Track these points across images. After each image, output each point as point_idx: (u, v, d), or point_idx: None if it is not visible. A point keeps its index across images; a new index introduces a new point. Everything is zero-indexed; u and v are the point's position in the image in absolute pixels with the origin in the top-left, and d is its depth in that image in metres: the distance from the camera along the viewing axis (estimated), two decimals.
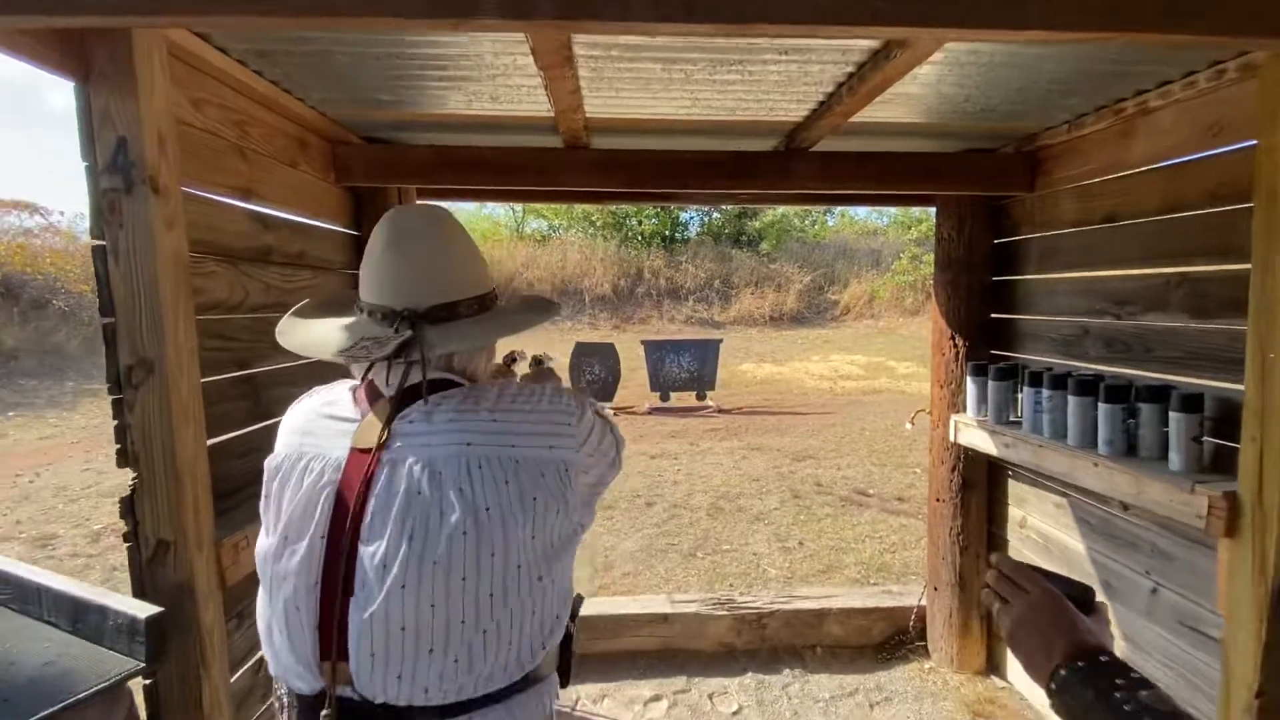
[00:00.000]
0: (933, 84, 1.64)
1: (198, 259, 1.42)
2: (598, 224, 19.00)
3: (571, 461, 0.83)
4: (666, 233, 18.88)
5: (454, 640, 0.75)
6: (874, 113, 1.85)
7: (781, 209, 19.88)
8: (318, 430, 0.83)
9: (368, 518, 0.76)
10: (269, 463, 0.84)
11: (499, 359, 1.51)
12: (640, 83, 1.63)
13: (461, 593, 0.74)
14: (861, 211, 23.20)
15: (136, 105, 1.17)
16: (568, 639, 0.89)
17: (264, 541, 0.81)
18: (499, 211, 20.90)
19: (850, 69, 1.54)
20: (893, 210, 21.06)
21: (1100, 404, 1.73)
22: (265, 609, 0.80)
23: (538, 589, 0.79)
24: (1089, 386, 1.79)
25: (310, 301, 0.99)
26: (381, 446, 0.78)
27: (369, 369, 0.84)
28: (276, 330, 0.90)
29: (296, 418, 0.87)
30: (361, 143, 2.17)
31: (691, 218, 19.59)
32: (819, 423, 7.45)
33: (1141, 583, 1.82)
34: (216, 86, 1.51)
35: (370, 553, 0.75)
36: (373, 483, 0.77)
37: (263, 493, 0.84)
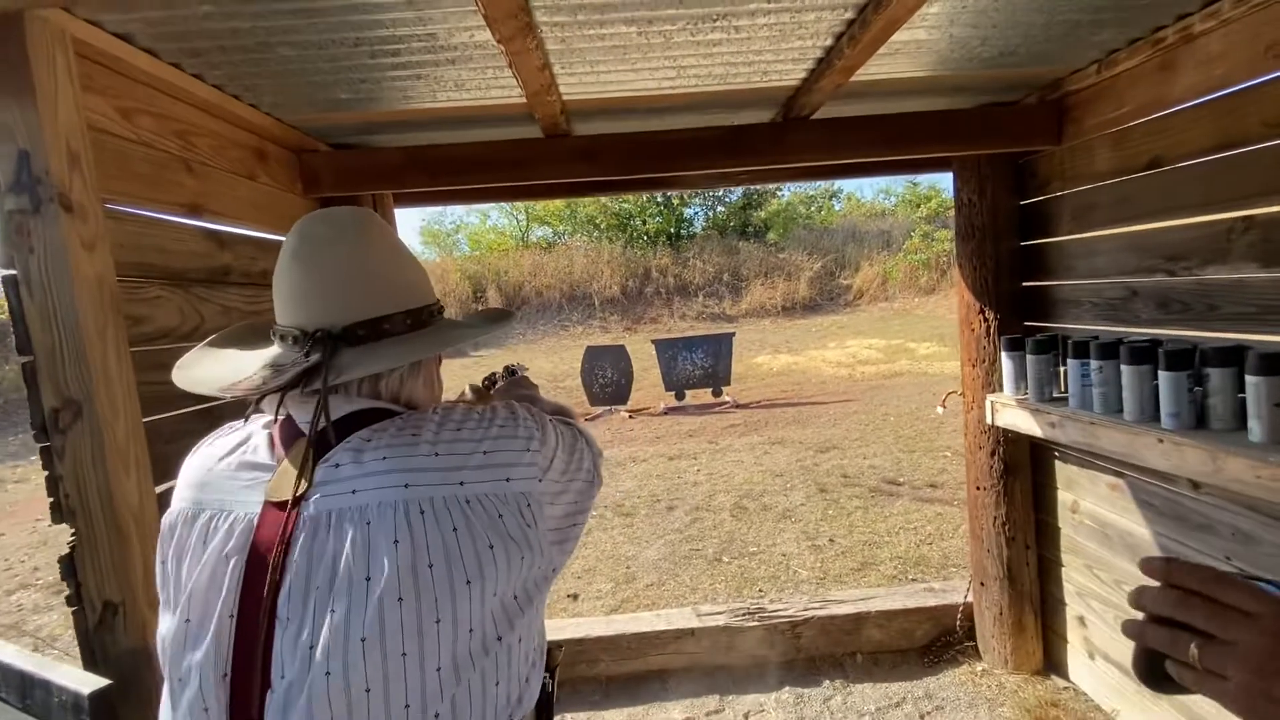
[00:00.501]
0: (944, 26, 1.46)
1: (137, 284, 1.29)
2: (602, 227, 18.88)
3: (534, 494, 0.68)
4: (671, 230, 18.70)
5: None
6: (879, 68, 1.67)
7: (786, 192, 19.62)
8: (221, 481, 0.68)
9: (285, 589, 0.60)
10: (164, 521, 0.69)
11: (479, 380, 1.36)
12: (616, 53, 1.47)
13: (403, 672, 0.59)
14: (868, 193, 22.88)
15: (37, 114, 1.03)
16: (545, 700, 0.73)
17: (162, 623, 0.66)
18: (503, 221, 20.88)
19: (850, 14, 1.36)
20: (900, 189, 20.70)
21: (1161, 372, 1.53)
22: (167, 711, 0.65)
23: (500, 653, 0.63)
24: (1145, 353, 1.59)
25: (234, 328, 0.83)
26: (300, 499, 0.63)
27: (279, 404, 0.69)
28: (176, 364, 0.75)
29: (194, 466, 0.71)
30: (329, 150, 2.03)
31: (696, 213, 19.40)
32: (840, 411, 7.23)
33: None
34: (149, 94, 1.37)
35: (291, 634, 0.60)
36: (291, 545, 0.61)
37: (157, 558, 0.68)
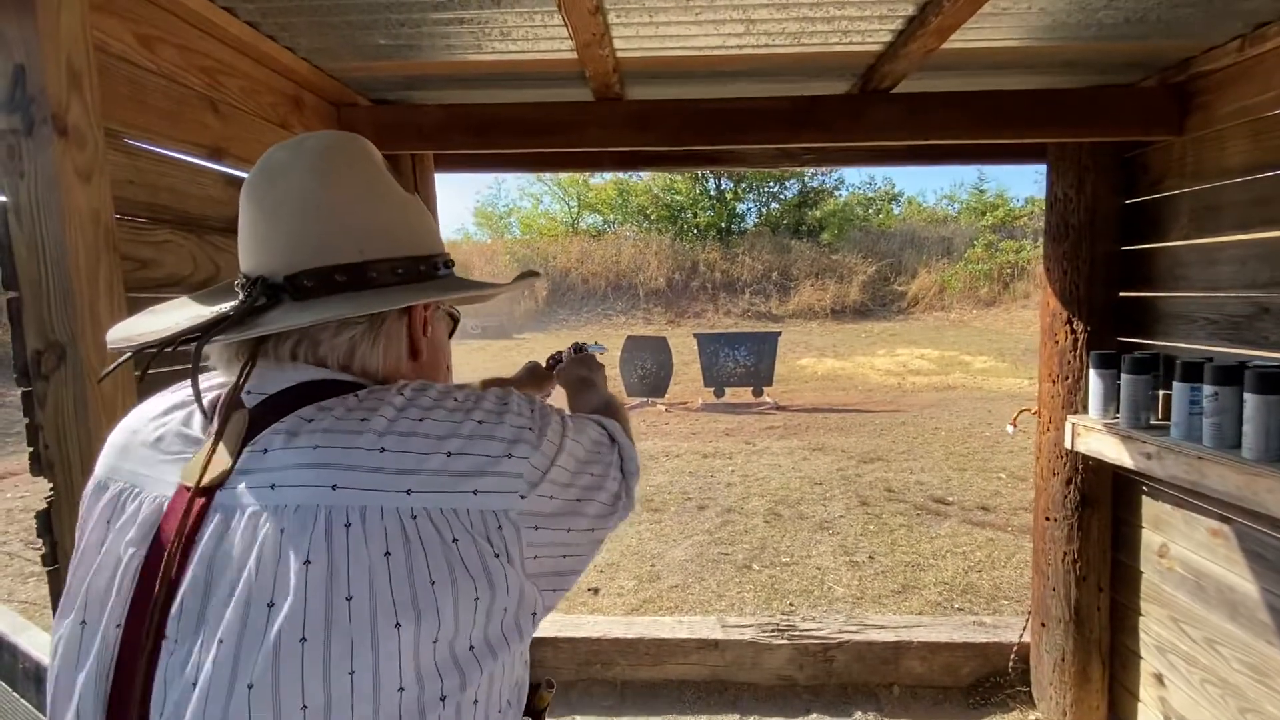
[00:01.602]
0: None
1: (144, 224, 1.19)
2: (653, 217, 18.73)
3: (512, 513, 0.51)
4: (722, 224, 18.41)
5: None
6: (977, 33, 1.46)
7: (844, 191, 19.06)
8: (141, 449, 0.55)
9: (178, 601, 0.47)
10: (85, 493, 0.57)
11: (543, 359, 1.20)
12: None
13: None
14: (930, 198, 22.09)
15: (35, 27, 0.93)
16: None
17: (57, 625, 0.53)
18: (555, 207, 20.93)
19: None
20: (965, 195, 19.85)
21: None
22: None
23: (447, 715, 0.48)
24: (1277, 382, 1.35)
25: (220, 285, 0.70)
26: (216, 487, 0.49)
27: (244, 367, 0.55)
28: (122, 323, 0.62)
29: (121, 426, 0.58)
30: (370, 105, 1.93)
31: (749, 208, 19.06)
32: (887, 421, 6.90)
33: None
34: (175, 24, 1.28)
35: (177, 661, 0.46)
36: (192, 545, 0.48)
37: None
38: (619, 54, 1.57)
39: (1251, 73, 1.53)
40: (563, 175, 19.14)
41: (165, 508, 0.50)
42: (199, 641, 0.46)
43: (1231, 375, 1.44)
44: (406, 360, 0.62)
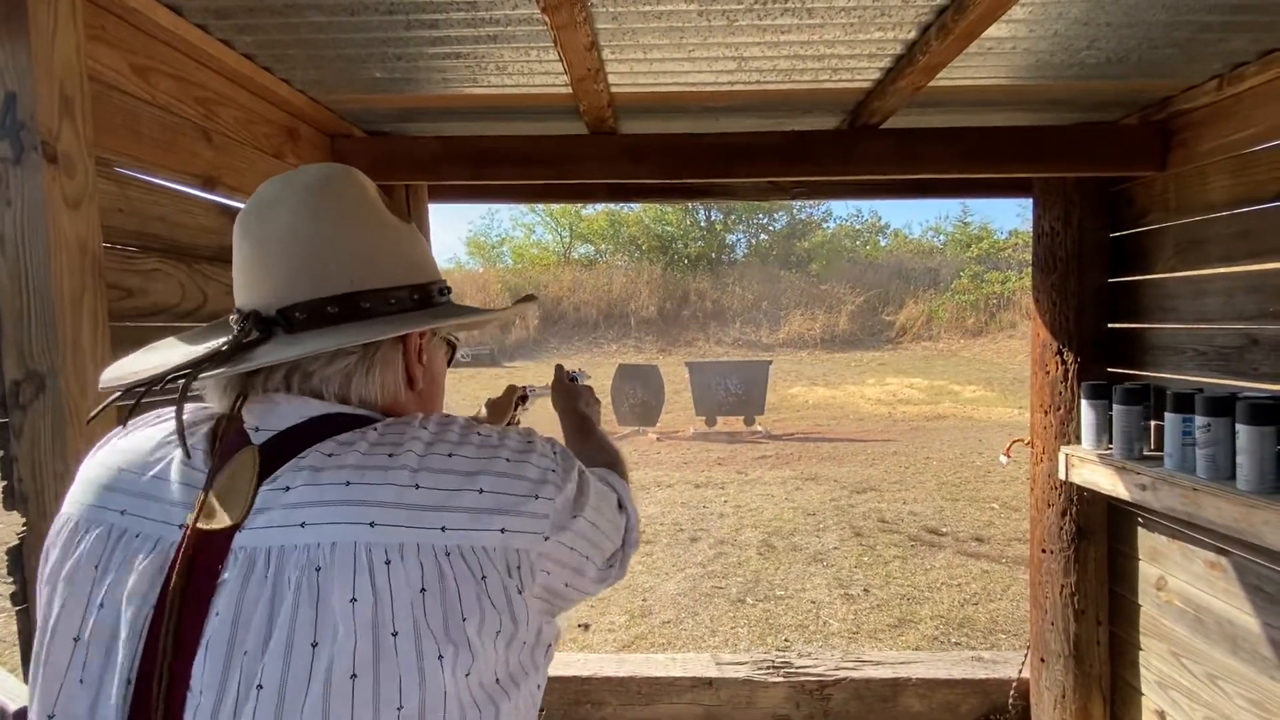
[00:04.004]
0: (1049, 20, 1.27)
1: (133, 253, 1.18)
2: (644, 247, 18.91)
3: (529, 554, 0.51)
4: (713, 254, 18.61)
5: None
6: (963, 71, 1.49)
7: (832, 223, 19.37)
8: (134, 485, 0.52)
9: (202, 649, 0.45)
10: (49, 535, 0.54)
11: (499, 393, 1.18)
12: (673, 35, 1.33)
13: None
14: (917, 230, 22.49)
15: (29, 54, 0.93)
16: None
17: (34, 688, 0.49)
18: (548, 237, 21.10)
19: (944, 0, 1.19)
20: (950, 228, 20.22)
21: None
22: None
23: None
24: (1270, 413, 1.36)
25: (216, 323, 0.68)
26: (235, 527, 0.48)
27: (235, 401, 0.54)
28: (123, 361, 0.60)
29: (99, 462, 0.56)
30: (364, 136, 1.94)
31: (739, 239, 19.30)
32: (879, 451, 6.89)
33: None
34: (171, 54, 1.28)
35: (205, 711, 0.44)
36: (215, 590, 0.46)
37: (37, 586, 0.53)
38: (613, 89, 1.59)
39: (1230, 111, 1.57)
40: (555, 206, 19.35)
41: (173, 552, 0.48)
42: (230, 688, 0.44)
43: (1224, 406, 1.45)
44: (404, 389, 0.60)
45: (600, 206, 19.43)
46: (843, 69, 1.50)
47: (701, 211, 18.79)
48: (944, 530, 4.48)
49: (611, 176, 1.89)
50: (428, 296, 0.61)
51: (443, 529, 0.48)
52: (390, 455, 0.50)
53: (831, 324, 16.38)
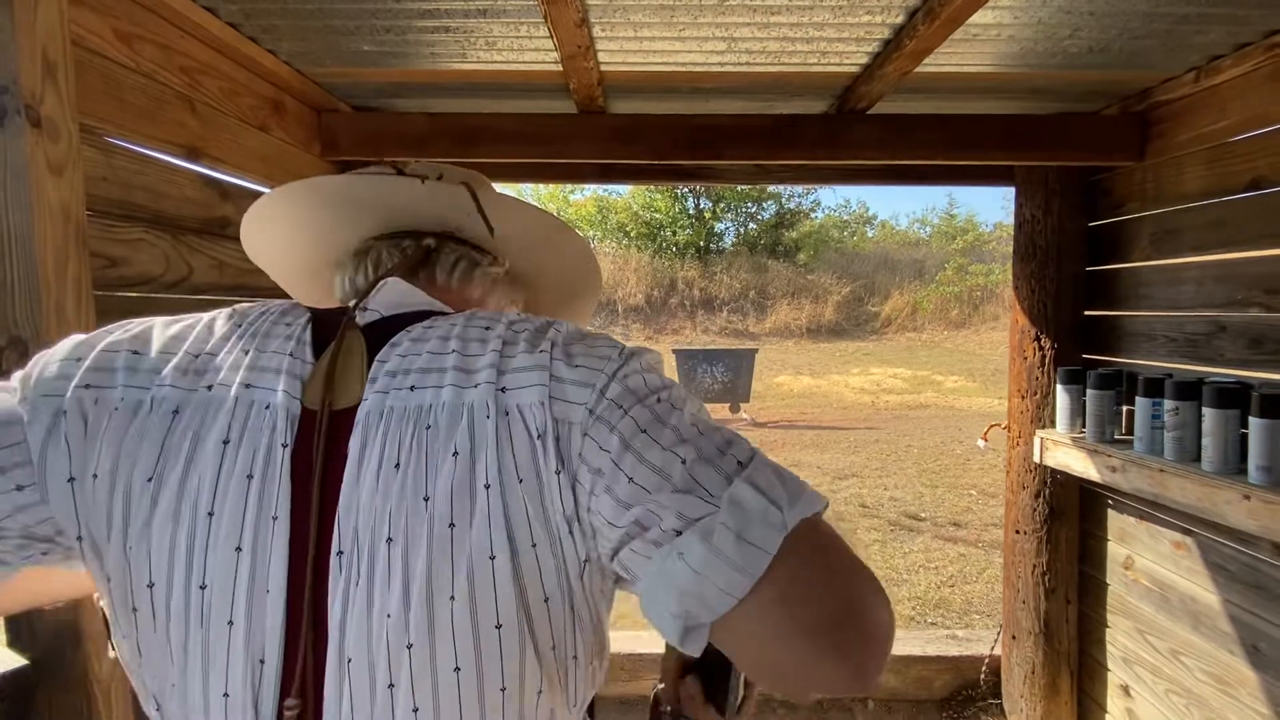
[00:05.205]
0: (1034, 8, 1.29)
1: (117, 222, 1.17)
2: (632, 235, 18.83)
3: (567, 424, 0.49)
4: (701, 243, 18.58)
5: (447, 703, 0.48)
6: (950, 58, 1.51)
7: (820, 213, 19.42)
8: (192, 363, 0.52)
9: (341, 512, 0.48)
10: (107, 402, 0.51)
11: None
12: (663, 14, 1.33)
13: (450, 619, 0.47)
14: (903, 222, 22.59)
15: (11, 17, 0.92)
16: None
17: (177, 558, 0.49)
18: None
19: None
20: (936, 220, 20.37)
21: (1253, 419, 1.35)
22: (168, 680, 0.50)
23: (560, 619, 0.50)
24: (1234, 397, 1.40)
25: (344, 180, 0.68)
26: (355, 401, 0.52)
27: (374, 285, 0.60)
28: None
29: (169, 334, 0.54)
30: (352, 111, 1.92)
31: (727, 228, 19.28)
32: (862, 438, 6.99)
33: None
34: (156, 22, 1.26)
35: (349, 564, 0.48)
36: (345, 457, 0.50)
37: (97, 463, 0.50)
38: (603, 67, 1.59)
39: (1206, 102, 1.61)
40: (543, 190, 19.18)
41: (288, 419, 0.50)
42: (365, 546, 0.47)
43: (1191, 391, 1.49)
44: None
45: (589, 192, 19.30)
46: (831, 52, 1.51)
47: (690, 199, 18.75)
48: (923, 515, 4.57)
49: (601, 157, 1.89)
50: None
51: (503, 389, 0.50)
52: (486, 329, 0.53)
53: (818, 314, 16.47)
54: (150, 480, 0.49)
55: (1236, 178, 1.55)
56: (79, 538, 0.51)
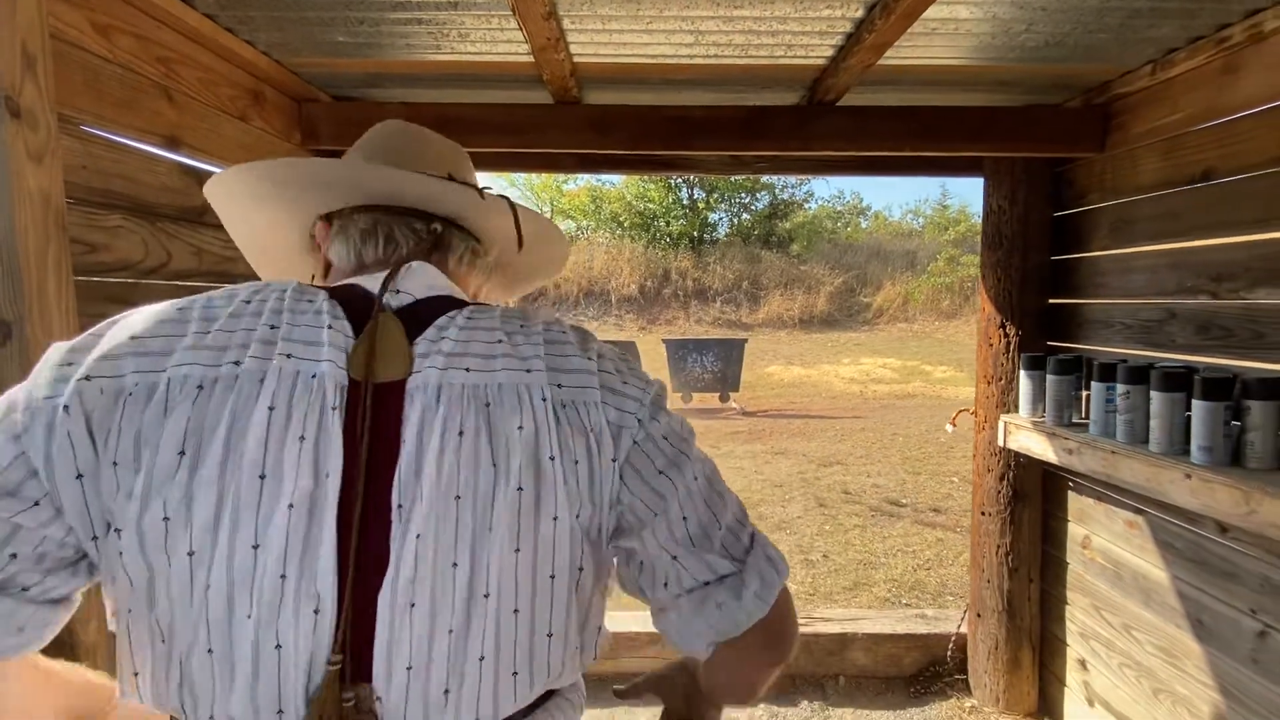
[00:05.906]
0: (986, 3, 1.34)
1: (96, 209, 1.21)
2: (626, 225, 18.80)
3: (618, 427, 0.58)
4: (695, 233, 18.58)
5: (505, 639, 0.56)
6: (912, 50, 1.55)
7: (813, 204, 19.44)
8: (230, 338, 0.53)
9: (397, 474, 0.53)
10: (172, 381, 0.51)
11: None
12: (629, 7, 1.37)
13: (514, 568, 0.55)
14: (896, 213, 22.61)
15: None
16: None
17: (242, 519, 0.50)
18: None
19: None
20: (929, 211, 20.42)
21: (1195, 401, 1.41)
22: (190, 632, 0.50)
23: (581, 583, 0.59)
24: (1179, 380, 1.46)
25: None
26: (405, 375, 0.56)
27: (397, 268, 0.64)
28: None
29: (203, 316, 0.55)
30: (331, 101, 1.95)
31: (720, 218, 19.27)
32: (848, 427, 7.07)
33: (1246, 624, 1.48)
34: (132, 14, 1.29)
35: (409, 517, 0.52)
36: (402, 424, 0.54)
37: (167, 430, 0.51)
38: (575, 59, 1.63)
39: (1161, 96, 1.66)
40: (536, 181, 19.11)
41: (336, 387, 0.53)
42: (427, 500, 0.52)
43: (1139, 375, 1.55)
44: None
45: (581, 182, 19.24)
46: (797, 45, 1.55)
47: (684, 189, 18.72)
48: (904, 501, 4.65)
49: (577, 146, 1.93)
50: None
51: (559, 385, 0.58)
52: (523, 325, 0.60)
53: (810, 304, 16.53)
54: (182, 454, 0.50)
55: (1189, 169, 1.61)
56: (94, 537, 0.51)
